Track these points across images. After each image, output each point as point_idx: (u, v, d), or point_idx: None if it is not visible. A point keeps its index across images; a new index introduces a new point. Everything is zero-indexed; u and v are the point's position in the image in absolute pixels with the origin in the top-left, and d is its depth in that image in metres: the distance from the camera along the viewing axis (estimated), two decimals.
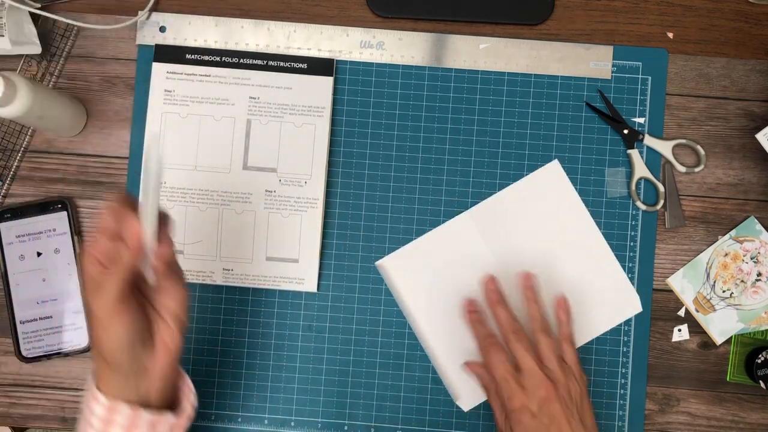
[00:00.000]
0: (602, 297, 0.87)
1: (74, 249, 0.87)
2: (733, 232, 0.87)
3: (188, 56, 0.88)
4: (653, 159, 0.88)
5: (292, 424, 0.87)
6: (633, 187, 0.87)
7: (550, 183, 0.88)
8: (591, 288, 0.87)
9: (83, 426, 0.66)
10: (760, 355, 0.85)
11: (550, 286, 0.86)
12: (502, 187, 0.88)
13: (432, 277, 0.86)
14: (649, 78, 0.88)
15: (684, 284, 0.88)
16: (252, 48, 0.88)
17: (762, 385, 0.85)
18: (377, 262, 0.87)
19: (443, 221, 0.88)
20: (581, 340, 0.87)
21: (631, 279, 0.87)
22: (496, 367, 0.78)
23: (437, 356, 0.86)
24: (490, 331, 0.82)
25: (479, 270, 0.86)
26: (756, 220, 0.87)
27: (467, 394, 0.86)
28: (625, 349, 0.87)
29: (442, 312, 0.86)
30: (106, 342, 0.63)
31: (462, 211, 0.88)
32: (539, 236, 0.87)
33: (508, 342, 0.79)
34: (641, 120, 0.88)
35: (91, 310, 0.63)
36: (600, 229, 0.87)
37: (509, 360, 0.78)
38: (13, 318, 0.86)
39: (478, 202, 0.88)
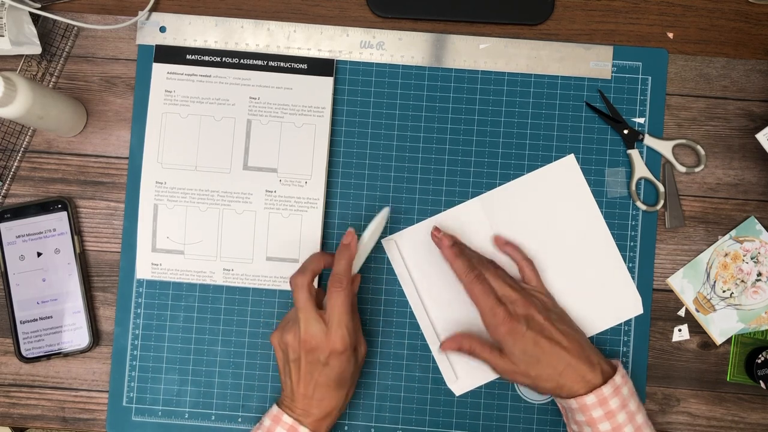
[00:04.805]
0: (604, 295, 0.87)
1: (74, 249, 0.87)
2: (733, 232, 0.87)
3: (188, 57, 0.88)
4: (653, 159, 0.88)
5: None
6: (633, 187, 0.87)
7: (564, 176, 0.88)
8: (594, 285, 0.87)
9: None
10: (760, 355, 0.85)
11: (553, 278, 0.87)
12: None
13: (438, 257, 0.86)
14: (649, 78, 0.88)
15: (684, 284, 0.88)
16: (252, 48, 0.88)
17: (762, 385, 0.85)
18: (384, 239, 0.88)
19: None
20: None
21: (631, 279, 0.87)
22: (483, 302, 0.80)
23: (438, 337, 0.87)
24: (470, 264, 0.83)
25: (484, 255, 0.87)
26: (756, 220, 0.87)
27: (462, 377, 0.87)
28: (625, 349, 0.87)
29: (444, 293, 0.87)
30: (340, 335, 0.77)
31: None
32: (547, 228, 0.87)
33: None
34: (641, 120, 0.88)
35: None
36: None
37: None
38: (13, 318, 0.86)
39: None
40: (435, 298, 0.87)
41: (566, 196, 0.88)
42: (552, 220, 0.87)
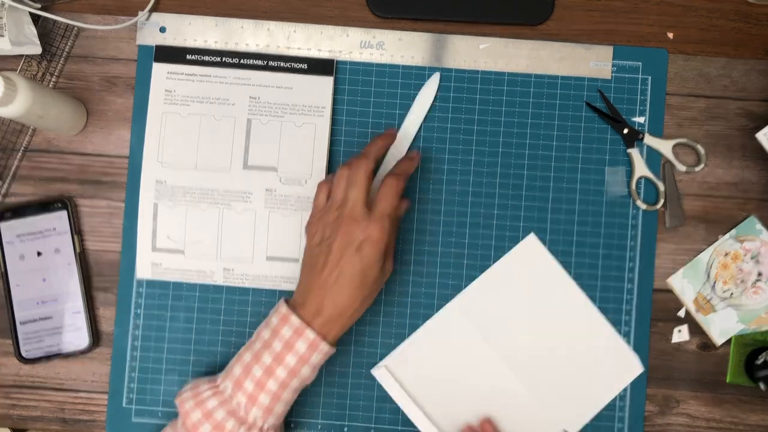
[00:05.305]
0: (601, 366, 0.86)
1: (74, 248, 0.87)
2: (733, 232, 0.87)
3: (188, 56, 0.88)
4: (653, 158, 0.88)
5: (292, 425, 0.87)
6: (633, 186, 0.87)
7: (529, 258, 0.87)
8: (589, 359, 0.86)
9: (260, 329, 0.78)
10: (759, 356, 0.85)
11: (548, 365, 0.86)
12: (501, 186, 0.88)
13: (432, 376, 0.86)
14: (649, 78, 0.89)
15: (684, 284, 0.88)
16: (252, 48, 0.88)
17: (762, 386, 0.85)
18: (374, 371, 0.86)
19: (443, 221, 0.88)
20: (587, 416, 0.86)
21: (631, 279, 0.87)
22: None
23: None
24: None
25: (475, 359, 0.86)
26: (756, 220, 0.87)
27: None
28: None
29: (448, 409, 0.85)
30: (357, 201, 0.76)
31: (462, 211, 0.88)
32: (528, 315, 0.87)
33: None
34: (641, 120, 0.88)
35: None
36: (599, 229, 0.88)
37: None
38: (13, 318, 0.86)
39: (477, 202, 0.88)
40: (447, 415, 0.85)
41: (537, 277, 0.87)
42: (530, 304, 0.87)
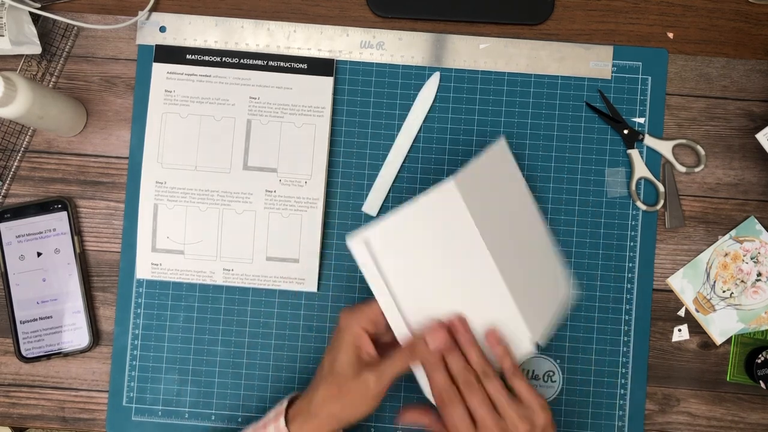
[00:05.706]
0: (549, 275, 0.82)
1: (74, 249, 0.87)
2: (733, 232, 0.87)
3: (188, 56, 0.88)
4: (653, 159, 0.88)
5: None
6: (633, 187, 0.87)
7: (500, 161, 0.80)
8: (544, 268, 0.82)
9: None
10: (760, 355, 0.85)
11: (523, 266, 0.77)
12: None
13: (414, 258, 0.73)
14: (649, 78, 0.88)
15: (684, 284, 0.88)
16: (252, 48, 0.88)
17: (762, 385, 0.85)
18: (350, 241, 0.73)
19: None
20: (547, 324, 0.78)
21: (631, 279, 0.87)
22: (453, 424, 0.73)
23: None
24: (448, 382, 0.74)
25: (463, 249, 0.72)
26: (756, 220, 0.87)
27: None
28: (625, 349, 0.87)
29: (421, 300, 0.74)
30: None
31: None
32: (509, 212, 0.78)
33: (462, 395, 0.72)
34: (641, 120, 0.88)
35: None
36: (599, 230, 0.88)
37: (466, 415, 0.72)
38: (13, 318, 0.86)
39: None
40: (419, 305, 0.74)
41: (509, 178, 0.82)
42: (510, 203, 0.80)
